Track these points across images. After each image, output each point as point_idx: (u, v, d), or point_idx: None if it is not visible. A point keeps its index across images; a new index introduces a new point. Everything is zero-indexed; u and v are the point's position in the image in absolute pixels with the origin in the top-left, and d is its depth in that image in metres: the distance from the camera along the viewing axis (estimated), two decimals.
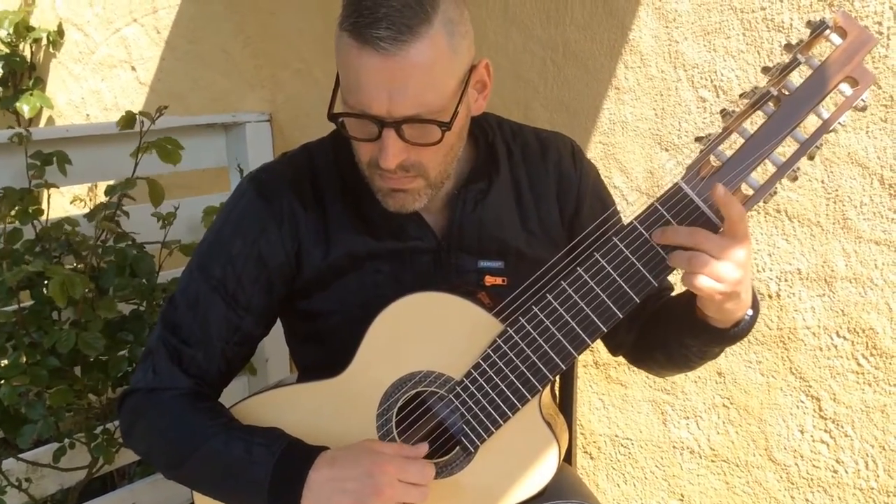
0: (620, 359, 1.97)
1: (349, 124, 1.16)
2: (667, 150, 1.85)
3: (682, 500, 1.97)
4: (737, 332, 1.18)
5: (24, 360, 1.73)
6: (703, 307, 1.15)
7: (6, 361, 1.74)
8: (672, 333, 1.26)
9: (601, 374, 2.03)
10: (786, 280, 1.76)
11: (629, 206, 1.86)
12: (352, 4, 1.10)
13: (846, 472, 1.76)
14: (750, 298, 1.16)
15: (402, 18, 1.07)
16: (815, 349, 1.75)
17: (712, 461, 1.91)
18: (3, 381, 1.70)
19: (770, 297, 1.78)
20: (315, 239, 1.27)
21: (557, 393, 1.53)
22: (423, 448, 1.17)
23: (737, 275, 1.07)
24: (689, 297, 1.21)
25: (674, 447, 1.96)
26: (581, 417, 2.07)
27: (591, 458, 2.08)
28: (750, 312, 1.18)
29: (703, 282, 1.06)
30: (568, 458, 1.51)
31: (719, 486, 1.91)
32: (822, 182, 1.69)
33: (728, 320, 1.16)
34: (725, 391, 1.86)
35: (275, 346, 2.46)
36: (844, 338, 1.72)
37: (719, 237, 1.07)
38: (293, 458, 1.16)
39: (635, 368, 1.95)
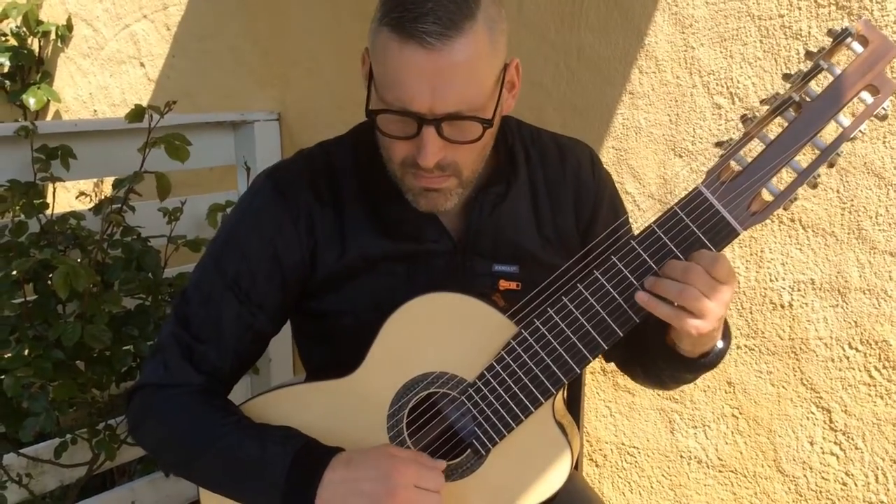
0: None
1: (386, 122, 1.14)
2: (681, 156, 1.84)
3: None
4: (705, 362, 1.19)
5: (29, 352, 1.72)
6: (677, 338, 1.17)
7: (10, 354, 1.72)
8: (647, 356, 1.27)
9: (608, 382, 2.01)
10: (798, 290, 1.74)
11: (642, 213, 1.84)
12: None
13: (856, 485, 1.74)
14: (721, 332, 1.17)
15: (447, 14, 1.05)
16: (826, 360, 1.73)
17: (720, 471, 1.89)
18: (6, 373, 1.68)
19: (782, 306, 1.76)
20: (331, 238, 1.26)
21: (564, 399, 1.51)
22: (441, 464, 1.15)
23: (720, 313, 1.08)
24: (662, 322, 1.19)
25: (681, 456, 1.94)
26: (587, 424, 2.05)
27: (597, 465, 2.06)
28: (721, 344, 1.19)
29: (691, 321, 1.07)
30: (575, 464, 1.49)
31: (726, 496, 1.89)
32: (838, 192, 1.67)
33: (695, 351, 1.17)
34: (735, 401, 1.85)
35: (279, 347, 2.44)
36: (857, 349, 1.70)
37: (709, 278, 1.06)
38: (309, 458, 1.14)
39: None
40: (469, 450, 1.18)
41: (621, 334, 1.14)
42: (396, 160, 1.18)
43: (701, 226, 1.10)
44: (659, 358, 1.23)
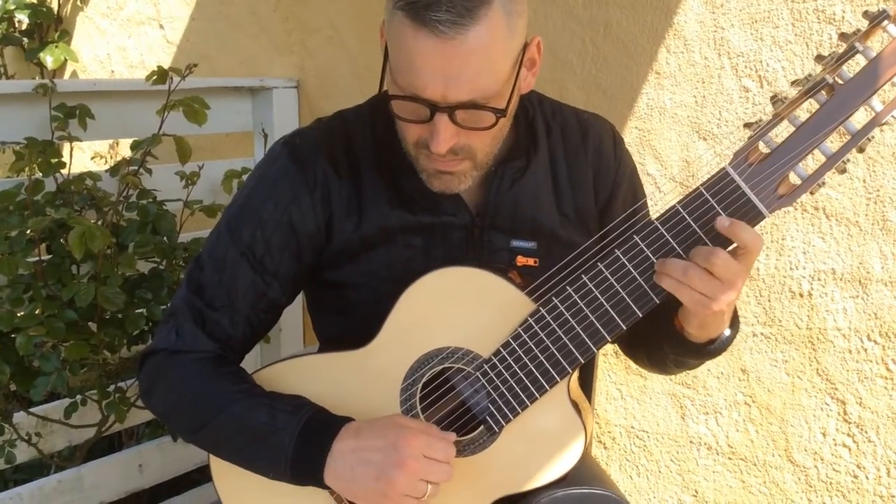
0: None
1: (399, 105, 1.13)
2: (705, 139, 1.81)
3: (695, 497, 1.94)
4: (712, 349, 1.18)
5: (41, 311, 1.71)
6: (684, 318, 1.15)
7: (23, 313, 1.71)
8: (652, 338, 1.26)
9: (620, 364, 2.00)
10: (819, 279, 1.72)
11: (663, 195, 1.82)
12: None
13: (867, 477, 1.72)
14: (730, 319, 1.16)
15: (462, 1, 1.03)
16: (843, 351, 1.71)
17: (729, 458, 1.88)
18: (18, 332, 1.68)
19: (801, 295, 1.74)
20: (347, 209, 1.24)
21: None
22: (451, 434, 1.14)
23: (731, 297, 1.07)
24: (672, 305, 1.18)
25: (691, 442, 1.93)
26: (597, 407, 2.04)
27: (605, 448, 2.05)
28: (727, 332, 1.18)
29: (695, 298, 1.06)
30: None
31: (735, 484, 1.88)
32: (864, 181, 1.65)
33: (701, 336, 1.16)
34: (748, 389, 1.83)
35: (289, 317, 2.43)
36: (875, 342, 1.68)
37: (731, 262, 1.04)
38: (318, 426, 1.14)
39: None
40: (482, 426, 1.17)
41: (640, 315, 1.12)
42: (410, 141, 1.17)
43: (726, 208, 1.08)
44: (665, 342, 1.22)
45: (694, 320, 1.14)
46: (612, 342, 1.17)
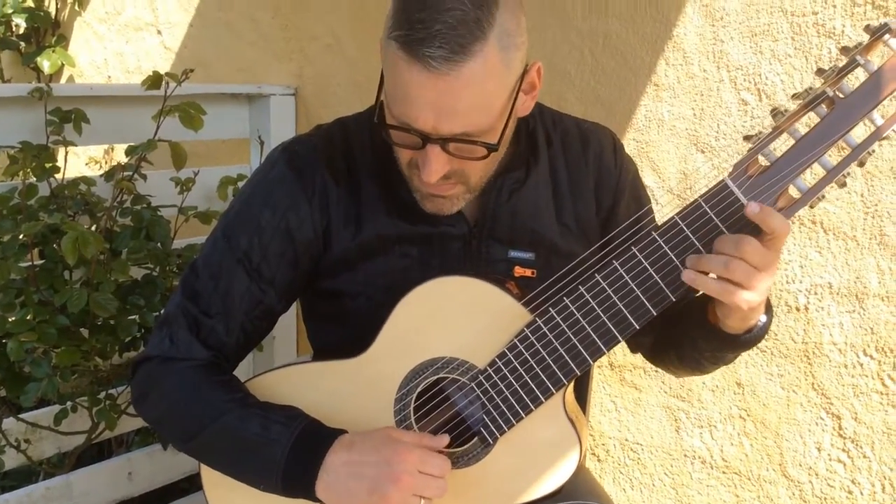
0: (636, 362, 1.95)
1: (392, 132, 1.13)
2: (703, 151, 1.80)
3: None
4: (749, 338, 1.16)
5: (33, 317, 1.70)
6: (723, 314, 1.12)
7: (14, 318, 1.70)
8: (686, 336, 1.24)
9: (615, 377, 1.99)
10: (815, 293, 1.71)
11: (660, 207, 1.81)
12: (402, 12, 1.05)
13: (861, 493, 1.71)
14: (764, 305, 1.14)
15: (456, 37, 1.02)
16: (839, 366, 1.71)
17: (724, 472, 1.87)
18: (10, 337, 1.66)
19: (798, 309, 1.73)
20: (345, 217, 1.24)
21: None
22: (444, 439, 1.13)
23: (768, 285, 1.05)
24: (703, 301, 1.17)
25: (685, 455, 1.92)
26: (591, 419, 2.03)
27: (599, 460, 2.04)
28: (763, 318, 1.15)
29: (741, 295, 1.03)
30: None
31: (729, 498, 1.87)
32: (862, 196, 1.64)
33: (742, 327, 1.14)
34: (743, 402, 1.82)
35: (282, 326, 2.41)
36: (871, 357, 1.67)
37: (763, 249, 1.03)
38: (311, 438, 1.13)
39: (651, 373, 1.93)
40: (476, 438, 1.16)
41: (637, 327, 1.12)
42: (403, 162, 1.17)
43: (725, 220, 1.07)
44: (700, 339, 1.20)
45: (735, 314, 1.10)
46: (607, 353, 1.16)
